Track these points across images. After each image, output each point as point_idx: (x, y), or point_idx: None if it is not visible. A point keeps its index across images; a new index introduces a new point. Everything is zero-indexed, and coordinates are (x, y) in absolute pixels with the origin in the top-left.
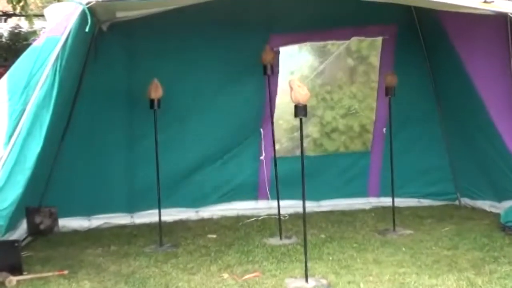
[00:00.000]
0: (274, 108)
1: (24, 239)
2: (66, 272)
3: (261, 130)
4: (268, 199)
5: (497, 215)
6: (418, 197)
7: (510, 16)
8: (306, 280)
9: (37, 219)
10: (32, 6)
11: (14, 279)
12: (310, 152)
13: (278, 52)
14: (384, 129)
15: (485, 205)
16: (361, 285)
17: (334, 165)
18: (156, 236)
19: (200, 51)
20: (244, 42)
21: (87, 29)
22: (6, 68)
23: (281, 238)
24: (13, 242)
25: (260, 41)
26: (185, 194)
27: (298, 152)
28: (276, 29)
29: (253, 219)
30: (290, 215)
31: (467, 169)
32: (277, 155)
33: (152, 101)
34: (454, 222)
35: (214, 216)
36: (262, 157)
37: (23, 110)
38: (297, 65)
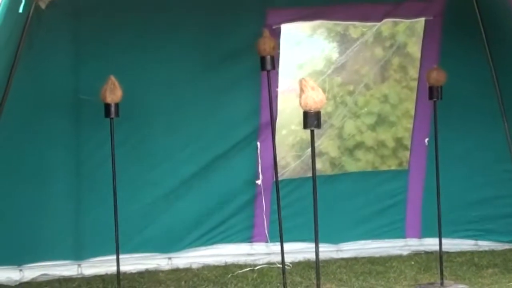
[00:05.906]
0: (276, 113)
1: None
2: None
3: (258, 143)
4: (267, 241)
5: None
6: (475, 237)
7: None
8: None
9: None
10: None
11: None
12: (325, 174)
13: (278, 33)
14: (427, 140)
15: None
16: None
17: (358, 192)
18: None
19: (173, 36)
20: (231, 22)
21: (20, 9)
22: None
23: None
24: None
25: (253, 20)
26: (153, 234)
27: (309, 174)
28: (275, 1)
29: (247, 269)
30: (298, 263)
31: None
32: (280, 178)
33: (108, 106)
34: None
35: (194, 265)
36: (259, 182)
37: None
38: (307, 56)
